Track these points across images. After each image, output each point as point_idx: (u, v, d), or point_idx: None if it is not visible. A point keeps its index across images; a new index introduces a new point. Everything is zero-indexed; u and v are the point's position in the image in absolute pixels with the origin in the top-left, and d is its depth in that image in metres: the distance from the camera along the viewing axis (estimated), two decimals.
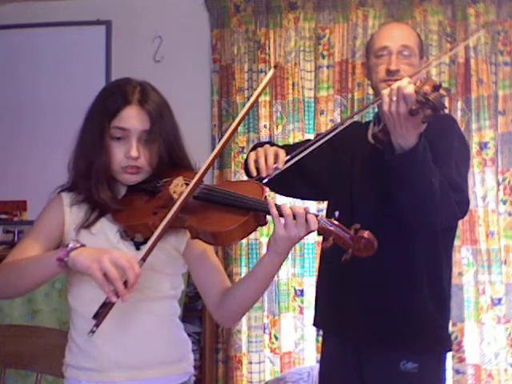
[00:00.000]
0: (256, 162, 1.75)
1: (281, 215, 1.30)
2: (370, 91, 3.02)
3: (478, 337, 2.97)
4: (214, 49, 3.30)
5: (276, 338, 3.16)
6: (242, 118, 1.45)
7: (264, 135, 3.22)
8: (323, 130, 3.14)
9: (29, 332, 2.08)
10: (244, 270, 3.17)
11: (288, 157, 1.74)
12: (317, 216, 1.32)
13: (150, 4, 3.40)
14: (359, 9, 3.16)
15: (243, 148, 3.23)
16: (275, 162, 1.72)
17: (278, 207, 1.31)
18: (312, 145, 1.73)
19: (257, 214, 1.34)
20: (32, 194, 3.24)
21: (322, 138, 1.73)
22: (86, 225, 1.43)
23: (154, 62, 3.37)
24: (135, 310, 1.42)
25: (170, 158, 1.46)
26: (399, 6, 3.13)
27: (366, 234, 1.31)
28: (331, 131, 1.74)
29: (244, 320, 3.16)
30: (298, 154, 1.73)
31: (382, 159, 1.61)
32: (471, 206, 2.98)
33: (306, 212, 1.30)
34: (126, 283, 1.22)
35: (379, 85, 1.80)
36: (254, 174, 1.72)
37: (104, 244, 1.42)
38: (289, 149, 1.86)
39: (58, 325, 2.87)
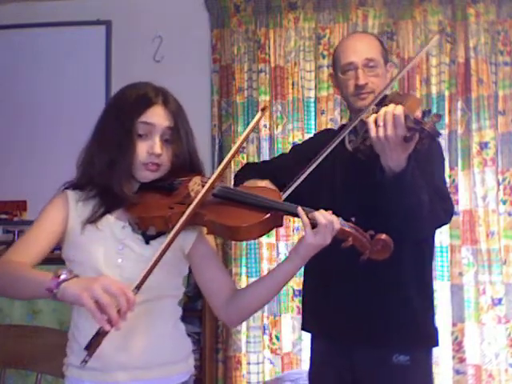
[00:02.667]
0: None
1: (313, 224, 1.34)
2: None
3: (478, 337, 2.97)
4: (214, 49, 3.30)
5: (277, 339, 3.16)
6: (232, 157, 1.47)
7: (264, 135, 3.22)
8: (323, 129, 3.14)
9: (29, 332, 2.08)
10: (244, 270, 3.17)
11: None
12: (338, 218, 1.37)
13: (150, 4, 3.40)
14: (359, 9, 3.16)
15: (243, 148, 3.22)
16: None
17: (310, 215, 1.35)
18: (300, 177, 1.68)
19: (276, 214, 1.37)
20: (32, 194, 3.24)
21: (307, 168, 1.68)
22: (93, 219, 1.44)
23: (154, 62, 3.37)
24: (138, 309, 1.41)
25: (190, 161, 1.50)
26: (399, 5, 3.13)
27: (383, 236, 1.36)
28: (317, 158, 1.69)
29: None
30: (288, 188, 1.68)
31: (363, 169, 1.63)
32: (471, 206, 2.99)
33: (328, 221, 1.34)
34: (119, 311, 1.20)
35: (350, 99, 1.84)
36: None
37: (110, 239, 1.43)
38: (269, 168, 1.89)
39: (58, 325, 2.87)
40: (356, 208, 1.74)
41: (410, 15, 3.12)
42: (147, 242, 1.42)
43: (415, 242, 1.79)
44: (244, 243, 3.16)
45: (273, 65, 3.23)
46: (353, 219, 1.41)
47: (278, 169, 1.92)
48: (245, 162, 3.21)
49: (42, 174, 3.20)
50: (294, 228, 3.17)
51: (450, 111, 3.06)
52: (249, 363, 3.14)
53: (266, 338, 3.17)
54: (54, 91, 3.39)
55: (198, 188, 1.42)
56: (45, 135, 3.38)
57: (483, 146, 3.02)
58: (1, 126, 3.46)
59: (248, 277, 3.16)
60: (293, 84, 3.22)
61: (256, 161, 3.18)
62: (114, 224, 1.45)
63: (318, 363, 1.94)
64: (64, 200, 1.48)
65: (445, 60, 3.08)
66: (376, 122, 1.52)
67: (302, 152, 1.91)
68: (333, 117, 3.15)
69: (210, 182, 1.40)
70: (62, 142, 3.24)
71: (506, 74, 3.03)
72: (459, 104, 3.07)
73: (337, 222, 1.35)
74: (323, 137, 1.93)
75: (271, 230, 1.41)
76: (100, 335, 1.22)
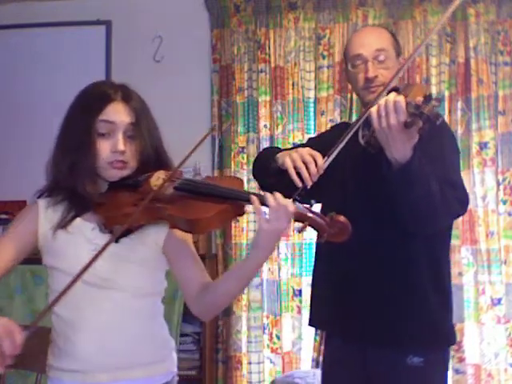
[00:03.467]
0: (295, 169, 1.69)
1: (264, 205, 1.31)
2: None
3: (477, 337, 2.97)
4: (214, 49, 3.30)
5: (278, 338, 3.16)
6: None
7: (264, 135, 3.22)
8: (323, 130, 3.14)
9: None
10: None
11: (325, 159, 1.69)
12: (294, 201, 1.34)
13: (150, 4, 3.40)
14: (359, 9, 3.16)
15: (243, 148, 3.23)
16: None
17: (261, 198, 1.32)
18: (340, 143, 1.69)
19: (235, 203, 1.36)
20: (32, 193, 3.23)
21: (343, 139, 1.70)
22: (63, 224, 1.44)
23: (154, 62, 3.36)
24: (117, 309, 1.42)
25: (156, 156, 1.47)
26: (399, 5, 3.13)
27: (341, 218, 1.32)
28: (349, 131, 1.70)
29: (244, 320, 3.16)
30: (331, 153, 1.69)
31: (374, 164, 1.62)
32: (471, 206, 2.98)
33: (284, 199, 1.31)
34: (3, 354, 1.17)
35: (360, 92, 1.83)
36: (300, 184, 1.65)
37: (81, 241, 1.43)
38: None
39: None
40: (368, 203, 1.74)
41: (410, 15, 3.12)
42: (116, 241, 1.40)
43: (430, 239, 1.75)
44: (244, 243, 3.16)
45: (273, 65, 3.23)
46: (312, 202, 1.40)
47: None
48: (245, 161, 3.22)
49: (41, 174, 3.19)
50: (294, 228, 3.16)
51: (449, 111, 3.06)
52: (249, 363, 3.14)
53: (266, 337, 3.17)
54: (54, 91, 3.38)
55: (160, 182, 1.41)
56: (44, 135, 3.36)
57: (483, 146, 3.02)
58: (0, 126, 3.46)
59: None
60: (293, 84, 3.22)
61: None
62: (84, 226, 1.45)
63: (332, 361, 1.92)
64: (35, 211, 1.49)
65: (445, 60, 3.08)
66: (378, 112, 1.52)
67: (319, 144, 1.86)
68: (333, 117, 3.15)
69: (170, 173, 1.39)
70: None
71: (505, 74, 3.03)
72: (459, 104, 3.07)
73: (291, 205, 1.31)
74: (339, 130, 1.89)
75: (233, 219, 1.41)
76: None
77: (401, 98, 1.48)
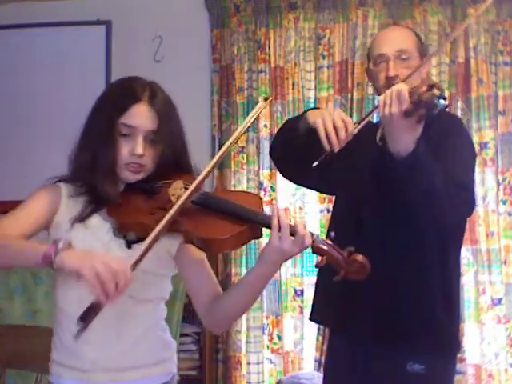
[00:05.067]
0: (326, 132, 1.68)
1: (292, 233, 1.30)
2: (370, 91, 3.03)
3: (478, 337, 2.97)
4: (214, 49, 3.30)
5: (279, 338, 3.15)
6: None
7: (264, 135, 3.22)
8: None
9: (29, 332, 2.08)
10: (244, 271, 3.16)
11: (355, 126, 1.69)
12: (313, 235, 1.32)
13: (150, 4, 3.40)
14: (359, 9, 3.16)
15: (243, 148, 3.23)
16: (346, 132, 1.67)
17: (278, 219, 1.31)
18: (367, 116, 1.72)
19: (253, 225, 1.33)
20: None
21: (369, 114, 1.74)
22: (81, 218, 1.42)
23: (154, 62, 3.36)
24: (121, 312, 1.42)
25: (175, 162, 1.46)
26: (399, 5, 3.13)
27: (359, 257, 1.30)
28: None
29: (243, 320, 3.16)
30: (361, 121, 1.70)
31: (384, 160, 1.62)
32: None
33: (305, 233, 1.30)
34: (117, 287, 1.20)
35: (382, 91, 1.80)
36: (328, 147, 1.65)
37: (95, 240, 1.41)
38: None
39: None
40: (381, 204, 1.72)
41: (410, 15, 3.11)
42: (129, 247, 1.40)
43: (440, 245, 1.74)
44: None
45: (273, 65, 3.23)
46: (332, 234, 1.38)
47: None
48: (244, 161, 3.22)
49: (41, 174, 3.18)
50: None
51: (449, 111, 3.05)
52: (249, 363, 3.14)
53: (266, 338, 3.17)
54: (54, 91, 3.38)
55: (179, 192, 1.38)
56: (44, 135, 3.38)
57: (483, 146, 3.02)
58: (0, 126, 3.45)
59: None
60: (293, 84, 3.21)
61: (256, 161, 3.20)
62: (102, 225, 1.43)
63: (334, 363, 1.91)
64: (57, 192, 1.46)
65: (445, 60, 3.08)
66: (384, 100, 1.53)
67: None
68: None
69: (190, 190, 1.35)
70: (62, 142, 3.23)
71: (505, 74, 3.03)
72: (459, 104, 3.07)
73: (308, 238, 1.29)
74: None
75: (249, 241, 1.37)
76: (94, 308, 1.22)
77: (403, 87, 1.49)
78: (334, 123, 1.66)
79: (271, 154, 2.08)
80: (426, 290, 1.74)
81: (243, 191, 1.65)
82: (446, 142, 1.68)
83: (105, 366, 1.41)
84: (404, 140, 1.53)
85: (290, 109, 3.21)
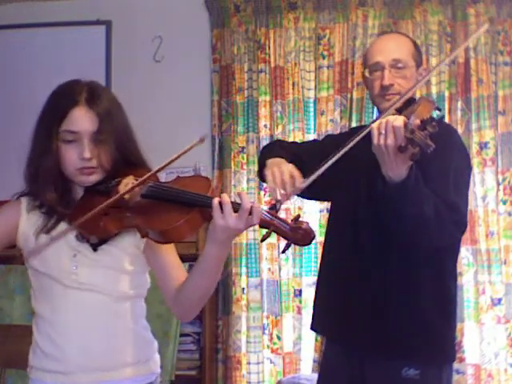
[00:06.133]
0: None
1: (221, 204, 1.29)
2: None
3: (477, 337, 2.97)
4: (214, 49, 3.30)
5: (279, 339, 3.15)
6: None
7: (264, 135, 3.22)
8: (323, 130, 3.15)
9: (29, 332, 2.07)
10: (244, 271, 3.16)
11: (304, 180, 1.71)
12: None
13: (150, 4, 3.39)
14: (359, 9, 3.16)
15: (243, 148, 3.22)
16: (293, 185, 1.69)
17: (221, 197, 1.31)
18: (327, 162, 1.69)
19: (202, 209, 1.33)
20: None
21: (335, 155, 1.69)
22: (46, 230, 1.43)
23: (154, 62, 3.36)
24: (97, 311, 1.43)
25: (123, 157, 1.45)
26: (399, 6, 3.13)
27: (303, 225, 1.32)
28: (344, 147, 1.69)
29: (243, 320, 3.16)
30: (314, 172, 1.70)
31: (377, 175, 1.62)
32: (471, 206, 2.98)
33: (251, 206, 1.29)
34: None
35: (376, 100, 1.84)
36: (275, 199, 1.69)
37: (64, 247, 1.42)
38: (297, 150, 1.89)
39: None
40: (375, 216, 1.72)
41: (410, 15, 3.11)
42: (94, 250, 1.41)
43: (435, 253, 1.74)
44: (244, 243, 3.16)
45: (273, 65, 3.22)
46: (277, 205, 1.40)
47: (306, 153, 1.91)
48: (244, 161, 3.22)
49: None
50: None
51: (449, 111, 3.06)
52: (249, 363, 3.14)
53: (266, 337, 3.17)
54: None
55: (128, 189, 1.38)
56: None
57: (483, 146, 3.02)
58: (0, 125, 3.45)
59: (248, 277, 3.15)
60: (293, 84, 3.21)
61: (256, 161, 3.19)
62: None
63: (330, 367, 1.92)
64: (17, 206, 1.50)
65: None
66: (379, 129, 1.52)
67: (333, 142, 1.87)
68: (333, 117, 3.15)
69: (136, 183, 1.36)
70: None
71: (505, 74, 3.03)
72: (459, 104, 3.07)
73: (248, 208, 1.28)
74: (357, 131, 1.90)
75: (203, 224, 1.36)
76: None
77: (400, 123, 1.48)
78: (282, 178, 1.69)
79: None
80: (421, 298, 1.75)
81: (193, 176, 1.67)
82: (438, 161, 1.66)
83: (87, 367, 1.41)
84: (397, 169, 1.54)
85: (290, 109, 3.21)
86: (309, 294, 3.08)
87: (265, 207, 1.35)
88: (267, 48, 3.22)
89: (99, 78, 1.55)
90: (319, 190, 1.85)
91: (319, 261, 2.03)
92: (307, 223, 1.33)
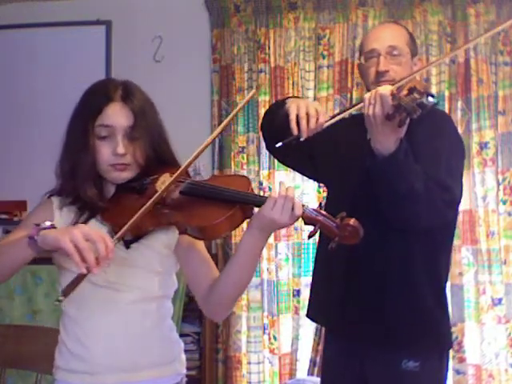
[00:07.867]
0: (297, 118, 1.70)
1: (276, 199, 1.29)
2: None
3: (478, 337, 2.97)
4: (214, 49, 3.30)
5: (275, 339, 3.15)
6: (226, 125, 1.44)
7: None
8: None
9: (29, 332, 2.08)
10: None
11: (328, 119, 1.72)
12: (303, 205, 1.32)
13: (150, 4, 3.40)
14: (359, 9, 3.16)
15: (243, 148, 3.23)
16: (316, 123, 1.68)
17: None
18: (343, 112, 1.74)
19: (243, 206, 1.33)
20: (32, 194, 3.19)
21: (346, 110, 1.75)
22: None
23: (154, 62, 3.36)
24: (125, 311, 1.42)
25: (157, 155, 1.46)
26: (399, 6, 3.13)
27: (351, 221, 1.30)
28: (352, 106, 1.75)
29: (244, 320, 3.16)
30: (334, 116, 1.73)
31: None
32: (471, 207, 2.99)
33: (293, 198, 1.30)
34: (98, 257, 1.20)
35: (371, 87, 1.82)
36: (296, 131, 1.68)
37: None
38: None
39: (58, 325, 2.87)
40: (369, 203, 1.72)
41: (410, 15, 3.12)
42: (127, 247, 1.41)
43: (427, 240, 1.74)
44: None
45: (273, 65, 3.23)
46: (322, 203, 1.39)
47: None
48: (245, 161, 3.22)
49: (41, 174, 3.18)
50: (294, 228, 3.16)
51: (449, 111, 3.05)
52: (249, 363, 3.14)
53: (267, 338, 3.17)
54: (54, 91, 3.38)
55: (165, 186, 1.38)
56: (44, 135, 3.37)
57: (483, 146, 3.02)
58: (1, 126, 3.45)
59: None
60: (293, 84, 3.22)
61: (256, 161, 3.19)
62: (99, 229, 1.40)
63: (331, 361, 1.92)
64: (49, 206, 1.48)
65: (445, 60, 3.08)
66: (369, 99, 1.55)
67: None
68: None
69: (174, 176, 1.36)
70: (62, 141, 3.24)
71: (505, 74, 3.03)
72: (459, 104, 3.07)
73: (292, 199, 1.29)
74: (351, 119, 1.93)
75: (242, 222, 1.37)
76: (77, 280, 1.23)
77: (387, 91, 1.51)
78: (308, 111, 1.68)
79: (261, 129, 2.09)
80: (417, 289, 1.75)
81: (231, 175, 1.65)
82: (431, 142, 1.68)
83: (114, 368, 1.41)
84: (385, 141, 1.55)
85: None
86: (307, 295, 3.08)
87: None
88: (267, 48, 3.23)
89: (99, 78, 1.55)
90: (320, 163, 1.89)
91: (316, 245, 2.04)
92: (354, 219, 1.30)
